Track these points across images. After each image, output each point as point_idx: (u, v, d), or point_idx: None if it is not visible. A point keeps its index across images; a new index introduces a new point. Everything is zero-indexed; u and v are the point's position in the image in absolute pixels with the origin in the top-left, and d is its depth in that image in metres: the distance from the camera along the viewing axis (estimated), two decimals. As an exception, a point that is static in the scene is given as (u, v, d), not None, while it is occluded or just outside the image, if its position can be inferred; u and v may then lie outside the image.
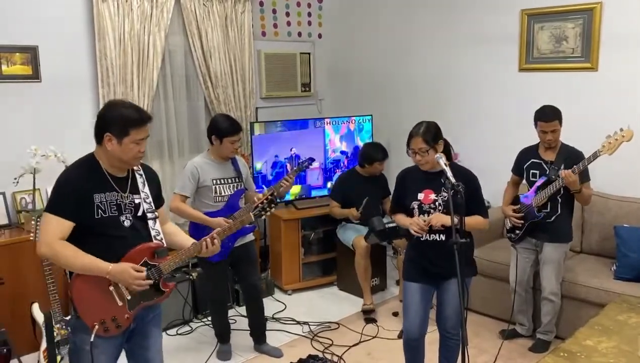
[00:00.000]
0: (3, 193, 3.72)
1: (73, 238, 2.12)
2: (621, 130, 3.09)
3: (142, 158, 2.26)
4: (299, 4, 5.47)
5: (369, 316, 4.08)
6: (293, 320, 4.09)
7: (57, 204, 2.11)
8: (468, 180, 2.79)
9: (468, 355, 2.36)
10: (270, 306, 4.28)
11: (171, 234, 2.43)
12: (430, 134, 2.70)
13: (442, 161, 2.56)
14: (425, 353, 2.98)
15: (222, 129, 3.32)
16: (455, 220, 2.34)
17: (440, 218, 2.70)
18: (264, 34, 5.20)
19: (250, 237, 3.54)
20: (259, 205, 2.64)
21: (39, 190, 3.79)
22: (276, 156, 4.71)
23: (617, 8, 3.80)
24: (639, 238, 3.45)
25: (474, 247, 4.04)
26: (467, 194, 2.71)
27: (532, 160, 3.44)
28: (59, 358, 3.19)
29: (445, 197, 2.71)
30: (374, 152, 4.39)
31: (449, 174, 2.45)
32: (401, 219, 2.89)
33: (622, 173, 3.85)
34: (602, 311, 2.89)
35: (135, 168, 2.30)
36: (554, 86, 4.15)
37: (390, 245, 3.95)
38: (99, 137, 2.17)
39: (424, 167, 2.75)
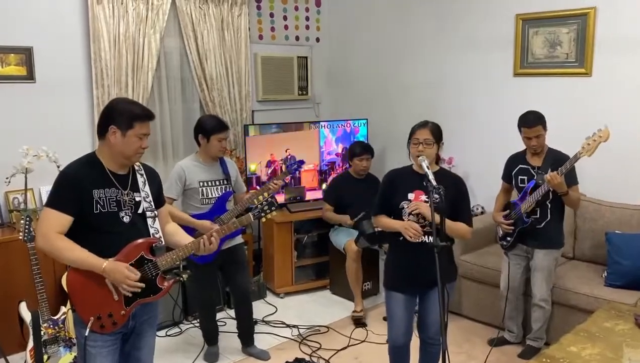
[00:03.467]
0: (-4, 193, 3.75)
1: (72, 232, 2.14)
2: (599, 130, 3.06)
3: (143, 154, 2.30)
4: (296, 8, 5.48)
5: (358, 324, 4.05)
6: (283, 323, 4.07)
7: (56, 198, 2.14)
8: (457, 184, 2.79)
9: (449, 361, 2.34)
10: (261, 309, 4.28)
11: (172, 234, 2.45)
12: (436, 130, 2.74)
13: (425, 164, 2.55)
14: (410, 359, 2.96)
15: (209, 127, 3.33)
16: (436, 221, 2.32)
17: (420, 206, 2.63)
18: (260, 37, 5.21)
19: (239, 239, 3.54)
20: (259, 206, 2.64)
21: (32, 190, 3.82)
22: (271, 154, 4.73)
23: (611, 13, 3.78)
24: (630, 244, 3.42)
25: (464, 251, 4.07)
26: (454, 197, 2.70)
27: (520, 166, 3.42)
28: (45, 357, 3.19)
29: (436, 199, 2.66)
30: (354, 147, 4.42)
31: (431, 176, 2.44)
32: (387, 222, 2.79)
33: (615, 179, 3.83)
34: (590, 318, 2.87)
35: (136, 168, 2.33)
36: (549, 91, 4.13)
37: (382, 249, 3.94)
38: (103, 131, 2.21)
39: (426, 161, 2.64)
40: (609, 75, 3.85)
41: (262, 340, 3.77)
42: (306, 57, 5.52)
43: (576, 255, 3.91)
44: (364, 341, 3.79)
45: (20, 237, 3.18)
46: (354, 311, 4.14)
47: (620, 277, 3.38)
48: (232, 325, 3.94)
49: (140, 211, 2.28)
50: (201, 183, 3.36)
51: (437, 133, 2.73)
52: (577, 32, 3.93)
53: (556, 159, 3.27)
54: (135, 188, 2.29)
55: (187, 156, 3.56)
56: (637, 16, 3.69)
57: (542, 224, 3.32)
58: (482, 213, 4.54)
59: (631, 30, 3.72)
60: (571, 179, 3.25)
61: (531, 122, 3.26)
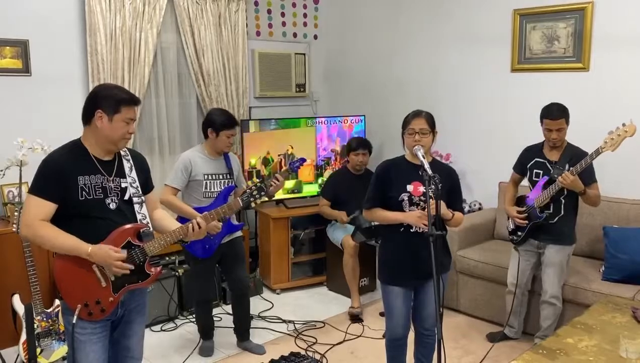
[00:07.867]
0: (-10, 186, 3.73)
1: (58, 219, 2.12)
2: (623, 125, 2.97)
3: (129, 140, 2.28)
4: (294, 5, 5.47)
5: (355, 320, 4.01)
6: (279, 318, 4.05)
7: (40, 185, 2.11)
8: (451, 175, 2.77)
9: (444, 351, 2.31)
10: (257, 305, 4.25)
11: (160, 219, 2.43)
12: (431, 118, 2.70)
13: (420, 153, 2.53)
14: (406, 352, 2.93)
15: (219, 122, 3.31)
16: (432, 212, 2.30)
17: (444, 209, 2.55)
18: (258, 33, 5.20)
19: (239, 234, 3.51)
20: (247, 191, 2.61)
21: (27, 183, 3.79)
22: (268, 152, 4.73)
23: (608, 8, 3.77)
24: (628, 239, 3.40)
25: (461, 247, 4.04)
26: (449, 188, 2.69)
27: (536, 159, 3.31)
28: (38, 350, 3.17)
29: (432, 189, 2.63)
30: (350, 142, 4.44)
31: (426, 165, 2.42)
32: (389, 214, 2.70)
33: (612, 174, 3.80)
34: (587, 311, 2.85)
35: (122, 153, 2.31)
36: (546, 87, 4.11)
37: (378, 244, 3.91)
38: (88, 116, 2.18)
39: (421, 150, 2.60)
40: (606, 70, 3.83)
41: (258, 335, 3.75)
42: (304, 54, 5.50)
43: (574, 251, 3.86)
44: (360, 336, 3.77)
45: (14, 229, 3.17)
46: (351, 307, 4.12)
47: (618, 272, 3.36)
48: (227, 320, 3.92)
49: (126, 197, 2.25)
50: (206, 176, 3.34)
51: (431, 122, 2.70)
52: (574, 27, 3.92)
53: (574, 155, 3.16)
54: (121, 174, 2.26)
55: (193, 147, 3.52)
56: (635, 10, 3.68)
57: (556, 219, 3.23)
58: (479, 209, 4.52)
59: (629, 25, 3.70)
60: (590, 176, 3.14)
61: (555, 114, 3.15)
